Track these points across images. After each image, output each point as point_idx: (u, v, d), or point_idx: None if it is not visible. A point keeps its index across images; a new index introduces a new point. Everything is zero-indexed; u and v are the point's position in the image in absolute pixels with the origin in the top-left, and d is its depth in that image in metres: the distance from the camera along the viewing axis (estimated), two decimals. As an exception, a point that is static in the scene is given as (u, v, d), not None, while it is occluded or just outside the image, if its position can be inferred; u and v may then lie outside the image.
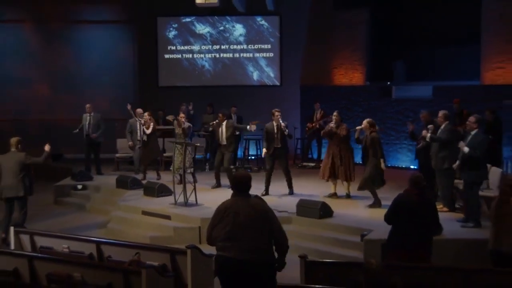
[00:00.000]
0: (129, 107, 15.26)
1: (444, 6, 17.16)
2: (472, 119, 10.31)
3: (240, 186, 6.29)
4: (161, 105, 17.64)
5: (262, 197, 12.50)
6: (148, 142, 14.78)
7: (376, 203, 11.63)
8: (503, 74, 16.06)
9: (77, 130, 15.60)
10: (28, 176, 11.20)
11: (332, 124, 12.43)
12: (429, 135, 10.90)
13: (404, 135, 16.72)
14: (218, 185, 13.90)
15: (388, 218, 7.78)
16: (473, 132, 10.15)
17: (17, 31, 20.09)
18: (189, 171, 12.76)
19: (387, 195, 10.77)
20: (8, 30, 19.99)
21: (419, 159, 12.38)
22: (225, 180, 13.57)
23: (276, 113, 13.02)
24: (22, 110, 19.45)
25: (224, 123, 13.73)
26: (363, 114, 16.44)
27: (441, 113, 11.26)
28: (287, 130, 12.91)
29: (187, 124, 14.06)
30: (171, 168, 13.33)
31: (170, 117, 14.56)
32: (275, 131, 12.88)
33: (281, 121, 12.94)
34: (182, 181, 12.49)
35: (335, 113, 12.60)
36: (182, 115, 14.27)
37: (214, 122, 14.05)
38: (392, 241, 7.69)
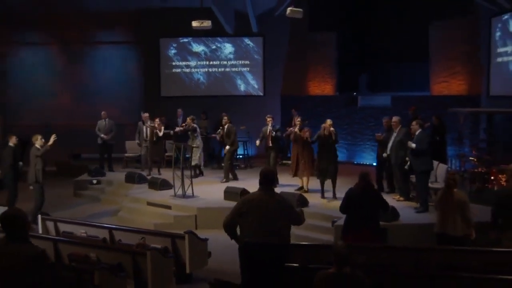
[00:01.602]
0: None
1: (400, 31, 17.32)
2: (414, 123, 10.63)
3: (266, 180, 6.08)
4: (163, 112, 17.62)
5: None
6: (157, 142, 14.96)
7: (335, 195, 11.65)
8: (448, 87, 16.28)
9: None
10: (39, 166, 11.30)
11: (295, 129, 12.36)
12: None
13: (368, 137, 16.86)
14: (234, 178, 14.01)
15: (342, 209, 7.89)
16: (417, 133, 10.41)
17: (45, 52, 20.10)
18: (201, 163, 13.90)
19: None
20: (38, 51, 19.99)
21: (379, 158, 12.43)
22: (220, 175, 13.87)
23: (268, 119, 13.20)
24: (48, 117, 19.32)
25: (226, 126, 13.88)
26: (333, 120, 16.44)
27: (395, 118, 11.42)
28: (274, 133, 13.01)
29: (194, 126, 14.13)
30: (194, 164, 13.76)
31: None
32: (268, 133, 13.01)
33: (270, 126, 13.04)
34: (193, 175, 12.84)
35: (298, 119, 12.61)
36: (189, 119, 14.32)
37: (220, 128, 14.24)
38: (346, 227, 7.79)
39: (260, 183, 6.11)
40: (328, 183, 11.68)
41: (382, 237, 8.00)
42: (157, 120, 15.05)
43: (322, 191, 11.80)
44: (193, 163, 13.61)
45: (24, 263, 4.10)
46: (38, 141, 11.23)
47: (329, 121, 11.70)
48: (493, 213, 7.46)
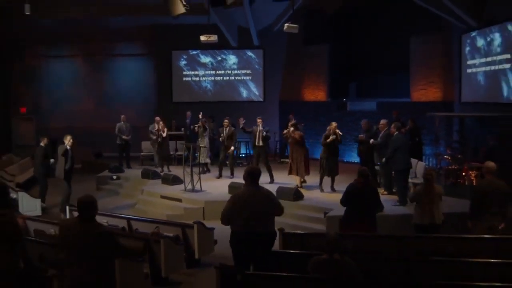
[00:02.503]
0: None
1: (384, 44, 17.37)
2: (392, 126, 10.62)
3: (252, 177, 6.08)
4: (175, 116, 17.70)
5: None
6: (163, 143, 14.95)
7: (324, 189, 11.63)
8: (426, 94, 16.32)
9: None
10: (62, 164, 11.23)
11: (285, 131, 12.38)
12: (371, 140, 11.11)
13: (356, 138, 16.84)
14: (220, 175, 13.85)
15: (342, 202, 7.81)
16: (394, 134, 10.40)
17: (72, 63, 20.20)
18: (207, 161, 13.79)
19: (344, 184, 10.82)
20: (66, 62, 20.11)
21: (361, 157, 12.38)
22: (226, 172, 13.82)
23: (258, 120, 13.09)
24: (74, 120, 19.48)
25: (227, 129, 13.79)
26: (326, 122, 16.44)
27: (383, 121, 11.36)
28: (265, 133, 12.95)
29: (205, 127, 14.20)
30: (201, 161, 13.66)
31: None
32: (257, 133, 12.93)
33: (261, 127, 12.98)
34: (201, 171, 12.81)
35: (290, 124, 12.56)
36: (201, 122, 14.38)
37: (221, 129, 14.15)
38: (346, 218, 7.72)
39: (245, 180, 6.11)
40: (327, 179, 11.70)
41: (375, 227, 7.97)
42: (160, 123, 15.05)
43: (320, 185, 11.77)
44: (201, 161, 13.61)
45: (93, 237, 4.72)
46: (67, 141, 11.25)
47: (334, 124, 11.60)
48: (471, 205, 7.48)
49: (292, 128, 12.22)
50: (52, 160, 12.07)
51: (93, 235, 4.73)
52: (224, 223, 6.14)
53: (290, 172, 12.30)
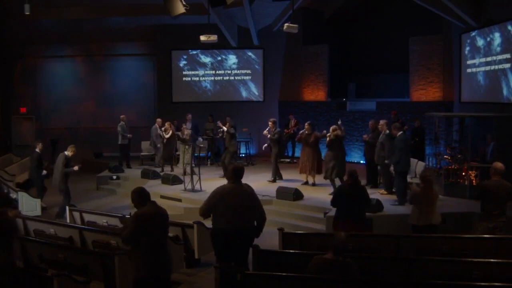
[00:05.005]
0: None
1: (383, 44, 17.39)
2: (393, 127, 10.56)
3: (239, 175, 6.19)
4: (174, 116, 17.68)
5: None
6: (167, 143, 14.95)
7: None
8: (425, 94, 16.32)
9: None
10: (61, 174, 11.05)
11: (306, 132, 12.44)
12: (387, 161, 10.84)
13: (356, 137, 16.86)
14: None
15: (332, 203, 7.88)
16: (398, 135, 10.36)
17: (72, 64, 20.18)
18: (191, 165, 12.92)
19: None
20: (66, 63, 20.10)
21: (366, 156, 12.39)
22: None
23: (270, 122, 13.38)
24: (75, 121, 19.52)
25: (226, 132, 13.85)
26: (325, 122, 16.51)
27: (382, 121, 11.35)
28: (276, 135, 13.19)
29: (188, 132, 14.25)
30: (178, 165, 13.44)
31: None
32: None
33: (269, 129, 13.22)
34: (186, 172, 12.56)
35: (306, 124, 12.58)
36: (184, 126, 14.46)
37: (219, 130, 14.19)
38: (337, 218, 7.78)
39: (229, 178, 6.23)
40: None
41: (367, 226, 8.00)
42: (166, 124, 15.15)
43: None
44: (185, 162, 13.54)
45: (166, 219, 5.69)
46: (68, 151, 11.12)
47: (331, 128, 11.67)
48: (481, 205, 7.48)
49: (307, 128, 12.35)
50: (44, 172, 11.88)
51: (166, 217, 5.63)
52: (204, 216, 6.25)
53: (307, 171, 12.43)
